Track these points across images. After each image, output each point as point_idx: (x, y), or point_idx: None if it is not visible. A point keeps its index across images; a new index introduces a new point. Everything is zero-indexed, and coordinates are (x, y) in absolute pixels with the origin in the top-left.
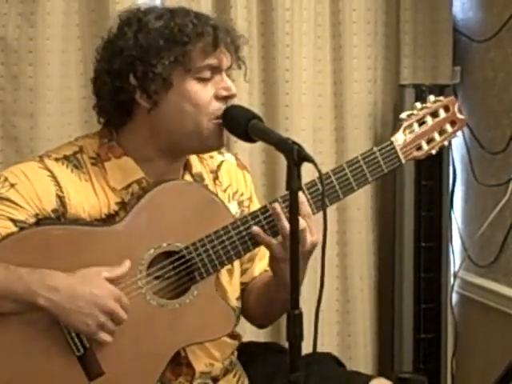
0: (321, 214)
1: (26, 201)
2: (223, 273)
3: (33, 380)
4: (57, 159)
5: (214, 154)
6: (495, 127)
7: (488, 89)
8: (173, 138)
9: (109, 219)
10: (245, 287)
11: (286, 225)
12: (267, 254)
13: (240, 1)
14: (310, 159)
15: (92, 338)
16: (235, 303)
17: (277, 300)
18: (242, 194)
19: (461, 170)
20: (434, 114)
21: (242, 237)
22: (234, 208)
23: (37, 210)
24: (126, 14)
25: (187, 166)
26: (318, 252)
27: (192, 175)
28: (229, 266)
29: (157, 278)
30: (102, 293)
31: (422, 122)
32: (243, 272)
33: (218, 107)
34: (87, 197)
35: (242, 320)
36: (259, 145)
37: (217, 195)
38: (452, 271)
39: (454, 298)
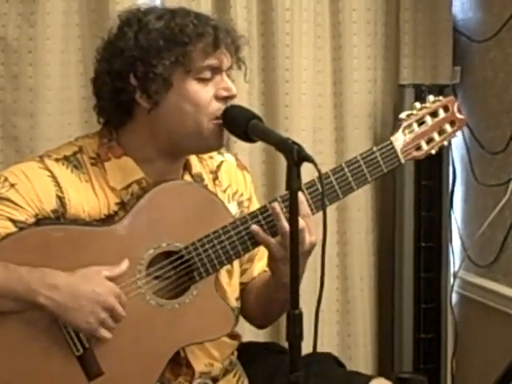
0: (320, 214)
1: (26, 201)
2: (223, 274)
3: (32, 380)
4: (57, 159)
5: (214, 154)
6: (495, 127)
7: (488, 89)
8: (173, 139)
9: (108, 219)
10: (244, 287)
11: (285, 224)
12: (266, 254)
13: (240, 1)
14: (309, 159)
15: (92, 335)
16: (235, 304)
17: (276, 300)
18: (242, 195)
19: (461, 169)
20: (434, 114)
21: (241, 237)
22: (233, 208)
23: (37, 210)
24: (126, 14)
25: (187, 167)
26: (318, 252)
27: (192, 175)
28: (228, 267)
29: (156, 277)
30: (103, 290)
31: (421, 122)
32: (242, 272)
33: (217, 107)
34: (87, 197)
35: (242, 320)
36: (259, 145)
37: (216, 195)
38: (452, 271)
39: (454, 298)
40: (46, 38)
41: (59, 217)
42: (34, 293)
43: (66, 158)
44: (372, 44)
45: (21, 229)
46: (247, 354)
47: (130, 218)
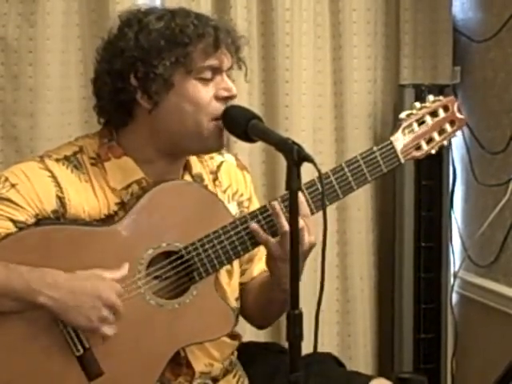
0: (320, 214)
1: (27, 201)
2: (223, 274)
3: (32, 380)
4: (57, 160)
5: (214, 154)
6: (495, 127)
7: (488, 89)
8: (173, 139)
9: (108, 219)
10: (244, 287)
11: (285, 224)
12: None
13: (240, 1)
14: (309, 159)
15: (94, 332)
16: (234, 304)
17: (275, 300)
18: (242, 195)
19: (461, 169)
20: (434, 114)
21: (240, 237)
22: (233, 208)
23: (37, 210)
24: (126, 14)
25: (187, 167)
26: (317, 252)
27: (192, 176)
28: (228, 267)
29: (156, 277)
30: (104, 286)
31: (421, 122)
32: (242, 273)
33: (218, 107)
34: (87, 197)
35: (242, 320)
36: (259, 145)
37: (216, 195)
38: (452, 271)
39: (454, 298)
40: (45, 38)
41: (59, 217)
42: (34, 292)
43: (66, 158)
44: (372, 44)
45: (21, 229)
46: (247, 353)
47: (129, 218)
